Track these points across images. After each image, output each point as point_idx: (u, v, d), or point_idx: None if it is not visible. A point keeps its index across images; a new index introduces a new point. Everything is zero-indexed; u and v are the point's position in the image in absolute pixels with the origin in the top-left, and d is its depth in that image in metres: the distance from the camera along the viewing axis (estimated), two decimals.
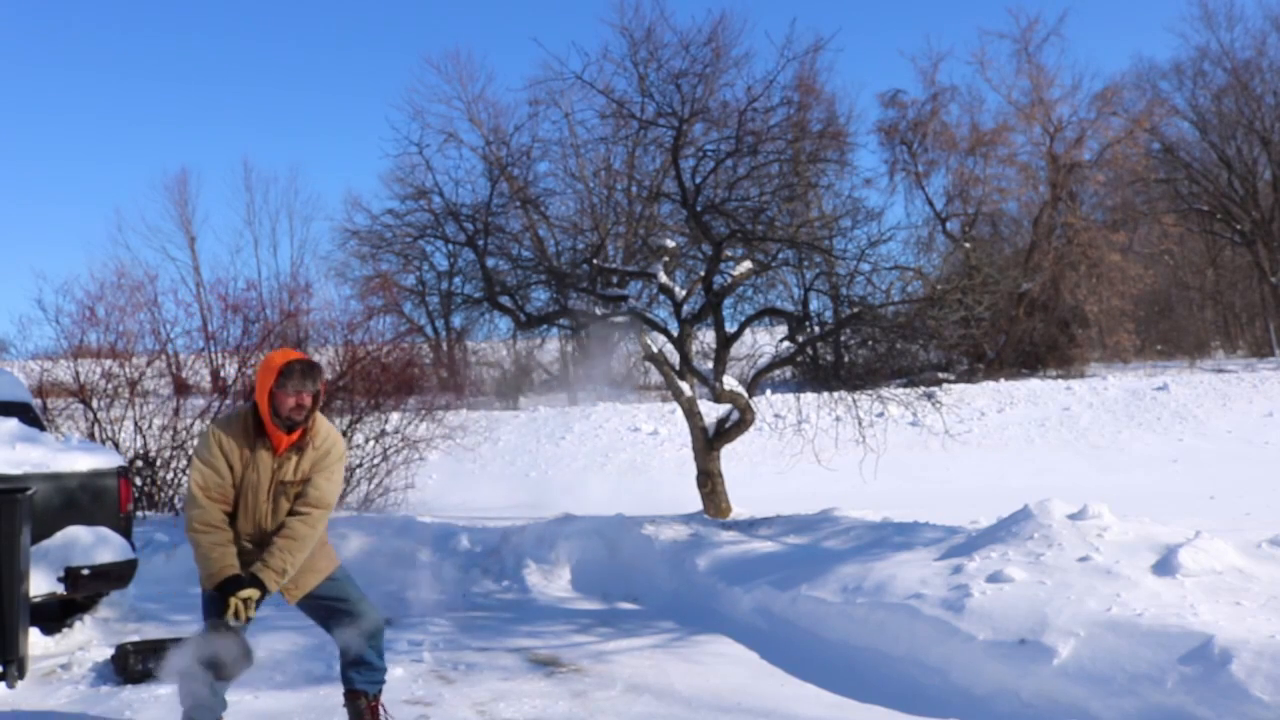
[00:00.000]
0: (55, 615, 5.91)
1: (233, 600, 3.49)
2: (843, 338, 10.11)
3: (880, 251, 11.58)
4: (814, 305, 9.99)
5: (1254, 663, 3.72)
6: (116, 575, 5.83)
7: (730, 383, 9.27)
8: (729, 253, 9.42)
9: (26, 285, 55.81)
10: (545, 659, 5.38)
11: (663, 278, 9.58)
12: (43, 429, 6.56)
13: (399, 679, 4.72)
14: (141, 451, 10.24)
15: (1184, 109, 31.62)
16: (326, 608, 3.93)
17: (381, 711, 4.03)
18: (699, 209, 9.16)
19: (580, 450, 18.24)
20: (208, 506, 3.62)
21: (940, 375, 11.31)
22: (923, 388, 10.28)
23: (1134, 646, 4.08)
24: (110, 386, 10.42)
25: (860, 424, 9.39)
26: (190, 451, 10.42)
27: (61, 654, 5.46)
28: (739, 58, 11.36)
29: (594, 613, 6.79)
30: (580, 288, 10.00)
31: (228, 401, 10.81)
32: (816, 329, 9.67)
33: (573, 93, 11.98)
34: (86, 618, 5.99)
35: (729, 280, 9.48)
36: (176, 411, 10.66)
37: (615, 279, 10.08)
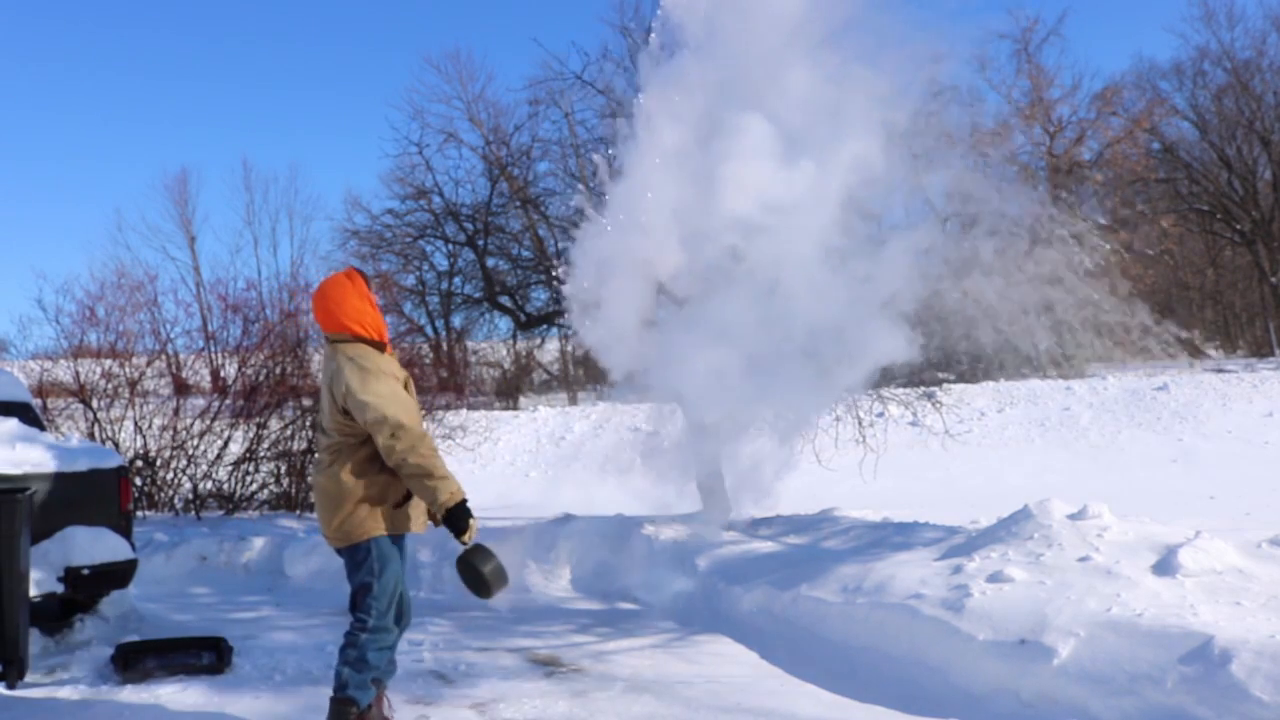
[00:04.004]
0: (55, 615, 5.90)
1: (473, 522, 3.64)
2: None
3: None
4: None
5: (1254, 663, 3.72)
6: (116, 575, 5.83)
7: None
8: None
9: (26, 285, 55.84)
10: (545, 659, 5.38)
11: None
12: (43, 429, 6.56)
13: (399, 679, 4.72)
14: (141, 451, 10.23)
15: (1184, 109, 31.67)
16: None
17: (387, 703, 4.03)
18: None
19: (580, 450, 18.23)
20: (427, 433, 3.68)
21: (940, 375, 11.31)
22: (923, 388, 10.28)
23: (1134, 646, 4.08)
24: (110, 386, 10.42)
25: (860, 424, 9.40)
26: (190, 451, 10.43)
27: (61, 654, 5.46)
28: None
29: (594, 613, 6.79)
30: None
31: (227, 401, 10.81)
32: None
33: (573, 93, 11.99)
34: (86, 618, 5.99)
35: None
36: (176, 411, 10.66)
37: None
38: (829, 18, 4.18)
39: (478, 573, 3.63)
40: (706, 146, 3.87)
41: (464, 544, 3.65)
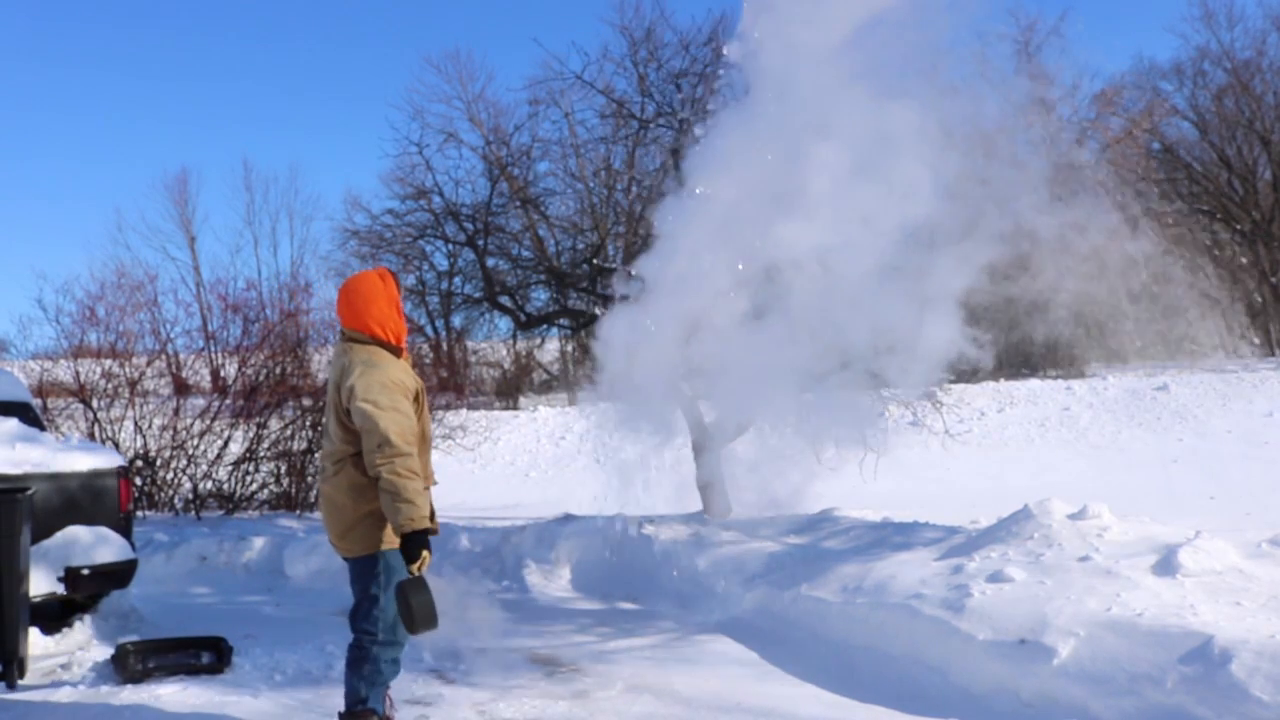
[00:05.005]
0: (55, 615, 5.91)
1: (426, 554, 3.52)
2: None
3: None
4: None
5: (1254, 663, 3.72)
6: (116, 575, 5.83)
7: None
8: None
9: (26, 285, 56.00)
10: (545, 659, 5.38)
11: None
12: (43, 429, 6.56)
13: (399, 679, 4.71)
14: (141, 451, 10.24)
15: (1184, 109, 31.65)
16: None
17: (388, 702, 4.04)
18: None
19: (580, 450, 18.23)
20: (413, 453, 3.57)
21: (940, 375, 11.27)
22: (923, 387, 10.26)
23: (1134, 646, 4.08)
24: (110, 386, 10.42)
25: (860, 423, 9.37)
26: (190, 451, 10.42)
27: (61, 654, 5.46)
28: None
29: (594, 613, 6.79)
30: (580, 288, 10.01)
31: (227, 401, 10.81)
32: None
33: (573, 93, 11.96)
34: (86, 618, 5.99)
35: None
36: (176, 411, 10.66)
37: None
38: (880, 57, 4.30)
39: (408, 606, 3.55)
40: (767, 186, 3.95)
41: (411, 573, 3.57)
